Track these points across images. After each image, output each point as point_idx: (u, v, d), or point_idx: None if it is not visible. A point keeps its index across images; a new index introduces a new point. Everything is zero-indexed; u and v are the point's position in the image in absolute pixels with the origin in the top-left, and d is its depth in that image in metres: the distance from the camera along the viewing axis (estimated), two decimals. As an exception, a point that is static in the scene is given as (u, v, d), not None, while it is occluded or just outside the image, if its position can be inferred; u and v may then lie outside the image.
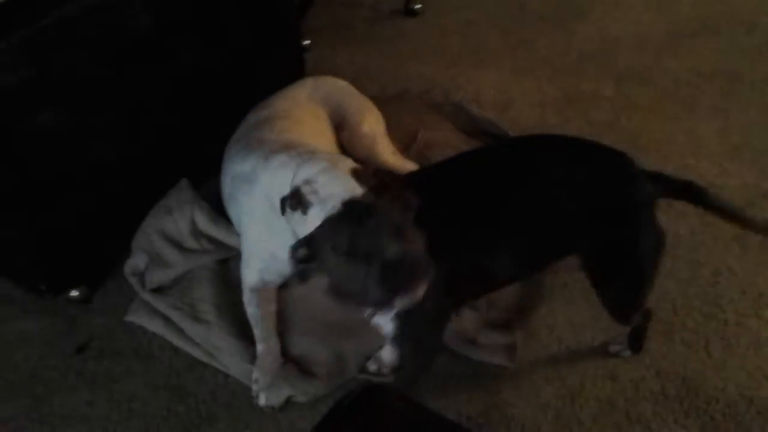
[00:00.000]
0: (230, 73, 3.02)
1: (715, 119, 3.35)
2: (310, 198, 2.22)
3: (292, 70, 3.29)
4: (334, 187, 2.20)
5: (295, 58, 3.39)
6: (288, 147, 2.46)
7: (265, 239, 2.48)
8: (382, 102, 3.17)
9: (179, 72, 2.81)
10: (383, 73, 3.79)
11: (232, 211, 2.68)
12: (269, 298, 2.60)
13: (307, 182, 2.23)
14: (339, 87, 3.08)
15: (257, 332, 2.53)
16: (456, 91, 3.63)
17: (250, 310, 2.57)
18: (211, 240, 2.80)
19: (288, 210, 2.28)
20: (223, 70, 3.00)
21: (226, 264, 2.78)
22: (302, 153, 2.39)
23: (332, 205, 2.15)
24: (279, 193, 2.32)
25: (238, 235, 2.71)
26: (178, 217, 2.80)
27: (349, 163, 2.29)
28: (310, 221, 2.23)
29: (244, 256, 2.59)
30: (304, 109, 2.84)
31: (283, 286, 2.67)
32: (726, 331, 2.53)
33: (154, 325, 2.64)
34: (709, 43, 3.84)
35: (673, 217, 2.89)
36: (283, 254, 2.39)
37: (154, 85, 2.74)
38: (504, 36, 4.03)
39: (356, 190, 2.15)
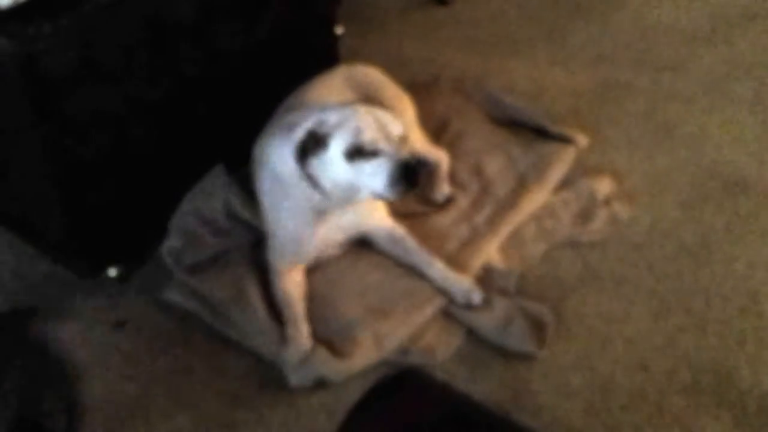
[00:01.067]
0: (266, 60, 3.07)
1: (753, 112, 3.36)
2: (327, 130, 2.41)
3: (327, 58, 3.34)
4: (344, 113, 2.42)
5: (329, 45, 3.44)
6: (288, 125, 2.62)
7: (279, 220, 2.64)
8: (413, 90, 3.21)
9: (217, 58, 2.87)
10: (415, 62, 3.82)
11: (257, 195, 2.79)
12: (297, 281, 2.67)
13: (317, 123, 2.42)
14: (372, 75, 3.13)
15: (285, 314, 2.59)
16: (488, 80, 3.65)
17: (278, 292, 2.65)
18: (244, 223, 2.86)
19: (309, 160, 2.44)
20: (259, 56, 3.04)
21: (259, 246, 2.82)
22: (292, 124, 2.57)
23: (352, 129, 2.38)
24: (284, 168, 2.53)
25: None
26: (213, 199, 2.87)
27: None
28: (333, 154, 2.41)
29: (268, 239, 2.72)
30: (336, 97, 2.90)
31: (317, 268, 2.75)
32: (760, 324, 2.55)
33: (190, 305, 2.70)
34: (748, 34, 3.85)
35: (709, 210, 2.91)
36: (300, 233, 2.56)
37: (193, 69, 2.80)
38: (537, 24, 4.06)
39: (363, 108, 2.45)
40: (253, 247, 2.84)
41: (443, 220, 2.94)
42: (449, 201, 2.99)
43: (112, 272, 2.82)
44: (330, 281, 2.73)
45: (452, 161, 3.09)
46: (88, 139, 2.56)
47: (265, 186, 2.70)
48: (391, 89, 3.09)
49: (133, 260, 2.87)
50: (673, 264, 2.76)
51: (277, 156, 2.63)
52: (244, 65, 3.00)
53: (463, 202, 2.99)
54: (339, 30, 3.72)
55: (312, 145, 2.44)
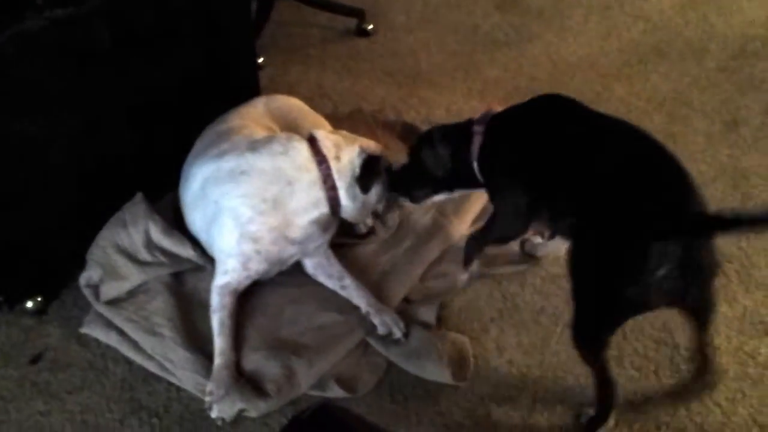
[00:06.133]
0: (186, 90, 3.05)
1: (665, 144, 3.40)
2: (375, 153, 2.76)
3: (247, 88, 3.33)
4: (346, 136, 2.78)
5: (250, 75, 3.43)
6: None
7: (245, 236, 2.60)
8: (335, 120, 3.23)
9: (136, 87, 2.84)
10: (336, 92, 3.83)
11: (199, 217, 2.74)
12: (231, 311, 2.64)
13: (362, 152, 2.71)
14: (292, 105, 3.14)
15: (218, 342, 2.57)
16: (408, 111, 3.68)
17: (219, 315, 2.62)
18: (165, 253, 2.81)
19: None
20: (179, 86, 3.03)
21: (181, 277, 2.81)
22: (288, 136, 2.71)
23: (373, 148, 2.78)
24: (298, 169, 2.63)
25: (193, 247, 2.79)
26: (132, 230, 2.81)
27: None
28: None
29: (221, 258, 2.68)
30: (257, 126, 2.90)
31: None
32: (676, 356, 2.58)
33: (109, 338, 2.66)
34: (659, 69, 3.92)
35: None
36: (293, 234, 2.66)
37: (111, 99, 2.78)
38: (455, 57, 4.09)
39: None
40: (174, 278, 2.81)
41: (364, 251, 2.96)
42: (370, 233, 2.99)
43: (29, 305, 2.77)
44: (247, 314, 2.72)
45: (373, 193, 3.09)
46: (5, 166, 2.53)
47: (242, 201, 2.61)
48: (311, 118, 3.10)
49: (51, 292, 2.82)
50: (590, 296, 2.77)
51: (280, 164, 2.63)
52: (163, 95, 2.97)
53: (383, 233, 3.00)
54: (260, 60, 3.71)
55: (373, 172, 2.72)
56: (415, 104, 3.73)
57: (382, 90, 3.85)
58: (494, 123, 2.56)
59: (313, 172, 2.65)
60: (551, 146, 2.35)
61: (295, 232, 2.66)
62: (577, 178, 2.25)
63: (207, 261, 2.80)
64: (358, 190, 2.69)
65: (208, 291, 2.68)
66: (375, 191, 2.75)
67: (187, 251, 2.79)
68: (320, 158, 2.65)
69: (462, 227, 3.03)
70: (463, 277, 2.81)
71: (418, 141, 2.73)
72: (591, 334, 2.25)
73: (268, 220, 2.60)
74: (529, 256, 2.93)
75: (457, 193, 2.78)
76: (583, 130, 2.36)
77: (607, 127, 2.37)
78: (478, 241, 2.73)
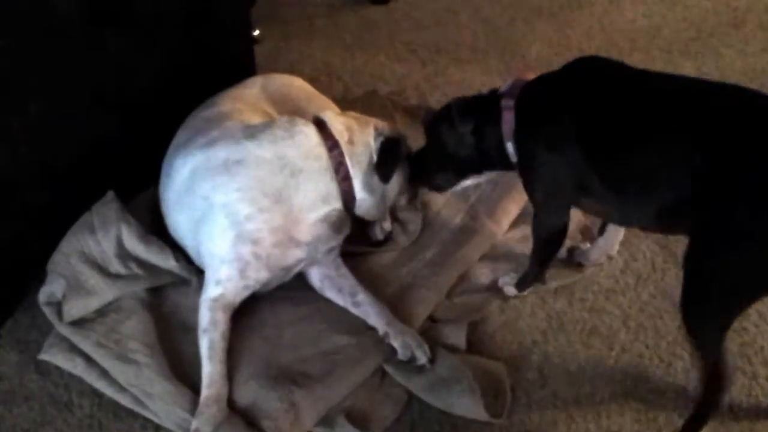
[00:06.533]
0: (169, 68, 3.05)
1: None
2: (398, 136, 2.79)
3: (241, 66, 3.33)
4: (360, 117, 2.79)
5: (244, 51, 3.43)
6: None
7: (262, 231, 2.56)
8: (345, 105, 3.17)
9: (110, 65, 2.83)
10: (347, 71, 3.82)
11: (184, 218, 2.70)
12: (224, 332, 2.58)
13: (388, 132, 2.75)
14: (294, 86, 3.11)
15: (207, 369, 2.50)
16: (432, 94, 3.65)
17: (210, 336, 2.55)
18: (141, 263, 2.76)
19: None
20: (161, 64, 3.02)
21: (160, 293, 2.76)
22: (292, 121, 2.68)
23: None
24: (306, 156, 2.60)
25: (176, 256, 2.75)
26: (101, 236, 2.76)
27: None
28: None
29: (212, 265, 2.62)
30: (252, 112, 2.85)
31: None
32: (755, 386, 2.51)
33: (74, 366, 2.59)
34: (733, 42, 3.90)
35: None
36: (300, 234, 2.62)
37: (80, 79, 2.75)
38: (490, 29, 4.08)
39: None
40: (152, 294, 2.75)
41: (381, 261, 2.92)
42: (388, 239, 2.95)
43: (-22, 326, 2.74)
44: (241, 338, 2.64)
45: (393, 192, 3.06)
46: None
47: (240, 197, 2.56)
48: (317, 102, 3.06)
49: (4, 311, 2.77)
50: (651, 314, 2.72)
51: (292, 149, 2.60)
52: (141, 75, 2.97)
53: (403, 240, 2.95)
54: (255, 33, 3.68)
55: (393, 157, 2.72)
56: (442, 85, 3.70)
57: (402, 68, 3.83)
58: (531, 93, 2.52)
59: (322, 160, 2.62)
60: (617, 112, 2.34)
61: (302, 232, 2.61)
62: (673, 145, 2.22)
63: (192, 273, 2.75)
64: (376, 180, 2.68)
65: (193, 309, 2.63)
66: (396, 180, 2.75)
67: (167, 261, 2.74)
68: (331, 143, 2.63)
69: (497, 232, 2.99)
70: (511, 289, 2.77)
71: (435, 118, 2.70)
72: (724, 309, 2.21)
73: (270, 217, 2.56)
74: (578, 266, 2.86)
75: (486, 176, 2.75)
76: (655, 91, 2.35)
77: (681, 86, 2.36)
78: (535, 263, 2.70)
